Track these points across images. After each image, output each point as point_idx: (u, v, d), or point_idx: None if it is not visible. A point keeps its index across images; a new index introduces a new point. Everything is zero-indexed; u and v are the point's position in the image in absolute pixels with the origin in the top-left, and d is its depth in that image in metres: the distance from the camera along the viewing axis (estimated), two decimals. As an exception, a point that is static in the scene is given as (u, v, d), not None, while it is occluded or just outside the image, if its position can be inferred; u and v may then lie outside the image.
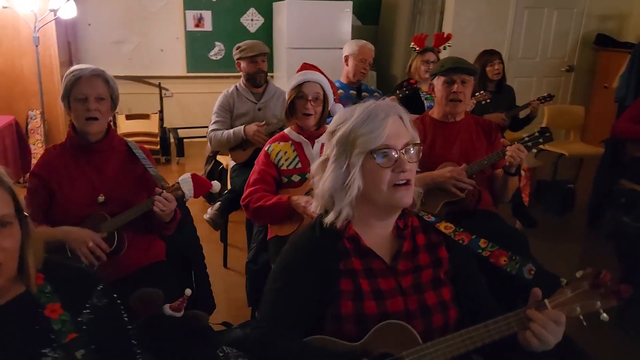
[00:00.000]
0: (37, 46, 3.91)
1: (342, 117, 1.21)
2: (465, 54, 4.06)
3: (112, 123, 5.11)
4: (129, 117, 5.09)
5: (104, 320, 1.07)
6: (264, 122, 2.95)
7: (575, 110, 4.79)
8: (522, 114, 3.94)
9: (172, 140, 5.38)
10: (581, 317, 0.98)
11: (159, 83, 5.44)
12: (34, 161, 3.85)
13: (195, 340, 1.85)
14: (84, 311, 1.05)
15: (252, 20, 5.87)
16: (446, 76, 2.20)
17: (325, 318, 1.16)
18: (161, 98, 5.41)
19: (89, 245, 1.70)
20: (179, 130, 5.53)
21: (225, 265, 3.15)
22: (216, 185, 1.86)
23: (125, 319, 1.13)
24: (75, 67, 1.81)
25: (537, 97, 3.81)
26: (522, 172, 4.20)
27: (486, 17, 5.54)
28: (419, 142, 1.20)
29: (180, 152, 5.31)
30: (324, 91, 2.18)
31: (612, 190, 3.49)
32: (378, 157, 1.13)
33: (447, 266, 1.22)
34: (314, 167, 1.26)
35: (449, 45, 3.74)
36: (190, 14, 5.65)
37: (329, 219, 1.20)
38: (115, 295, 1.12)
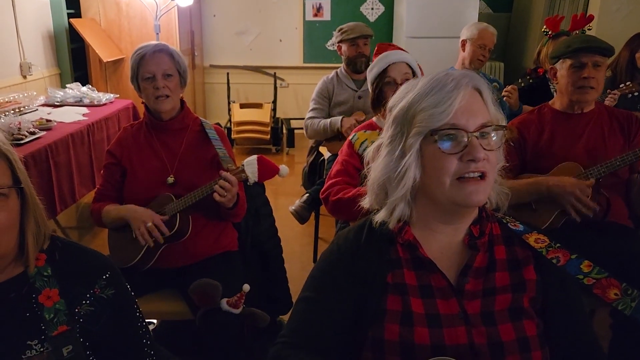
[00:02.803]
0: (157, 34, 4.09)
1: (405, 90, 0.95)
2: (614, 41, 3.46)
3: (227, 111, 5.25)
4: (242, 105, 5.19)
5: (106, 314, 0.94)
6: (362, 115, 2.74)
7: None
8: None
9: (284, 131, 5.39)
10: None
11: (274, 73, 5.47)
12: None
13: (250, 339, 1.71)
14: (83, 302, 0.93)
15: (372, 9, 5.65)
16: (574, 58, 1.78)
17: (365, 343, 0.91)
18: (275, 88, 5.43)
19: (147, 225, 1.63)
20: (291, 121, 5.52)
21: (315, 260, 2.99)
22: (284, 169, 1.69)
23: (137, 314, 1.00)
24: (139, 45, 1.76)
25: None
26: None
27: (643, 0, 4.72)
28: (504, 124, 0.90)
29: (291, 143, 5.28)
30: (412, 70, 1.89)
31: None
32: (441, 140, 0.86)
33: (535, 292, 0.91)
34: (368, 151, 1.03)
35: (588, 29, 3.18)
36: (310, 3, 5.59)
37: (379, 217, 0.96)
38: (127, 285, 0.99)
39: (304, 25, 5.65)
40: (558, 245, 0.92)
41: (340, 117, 2.76)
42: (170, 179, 1.75)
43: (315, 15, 5.64)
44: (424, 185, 0.90)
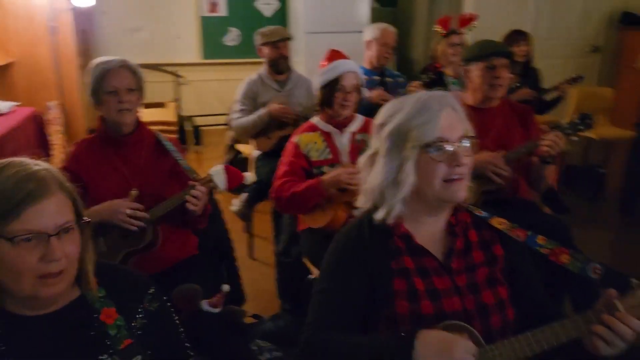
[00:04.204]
0: (53, 36, 3.86)
1: (392, 109, 1.15)
2: (486, 34, 3.93)
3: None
4: (146, 105, 5.05)
5: (157, 325, 1.04)
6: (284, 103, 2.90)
7: (603, 92, 4.66)
8: (549, 97, 3.82)
9: (189, 128, 5.34)
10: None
11: (175, 71, 5.38)
12: (54, 153, 3.84)
13: (231, 335, 1.83)
14: (137, 316, 1.02)
15: (267, 4, 5.77)
16: (486, 61, 2.11)
17: (379, 320, 1.11)
18: (177, 86, 5.35)
19: (127, 213, 1.68)
20: (195, 119, 5.49)
21: (251, 256, 3.12)
22: (249, 176, 1.82)
23: (177, 321, 1.10)
24: (100, 59, 1.77)
25: (565, 78, 3.69)
26: (555, 159, 4.10)
27: (508, -3, 5.39)
28: (473, 134, 1.14)
29: (198, 141, 5.27)
30: (359, 80, 2.11)
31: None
32: (432, 151, 1.07)
33: (503, 264, 1.16)
34: (361, 161, 1.21)
35: (474, 27, 3.62)
36: (205, -1, 5.57)
37: (379, 215, 1.15)
38: (165, 298, 1.09)
39: (200, 21, 5.61)
40: (516, 225, 1.18)
41: (265, 108, 2.89)
42: (135, 192, 1.79)
43: (211, 10, 5.63)
44: (418, 187, 1.10)
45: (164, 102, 5.15)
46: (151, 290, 1.07)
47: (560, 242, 1.14)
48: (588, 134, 4.23)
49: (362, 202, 1.21)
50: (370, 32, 3.37)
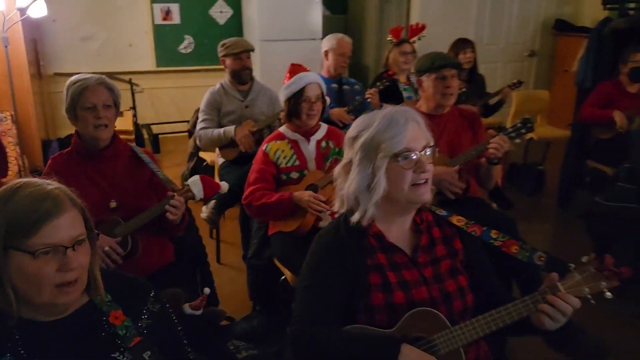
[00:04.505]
0: (6, 47, 3.80)
1: (363, 124, 1.30)
2: (434, 41, 4.21)
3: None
4: (102, 115, 5.02)
5: (160, 324, 1.15)
6: (254, 125, 3.01)
7: (541, 95, 5.04)
8: (493, 101, 4.11)
9: (146, 136, 5.34)
10: (589, 297, 1.12)
11: (130, 79, 5.36)
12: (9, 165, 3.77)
13: (212, 336, 1.93)
14: (143, 317, 1.13)
15: (220, 12, 5.83)
16: (437, 72, 2.31)
17: (358, 310, 1.26)
18: (133, 94, 5.34)
19: (104, 250, 1.75)
20: (152, 127, 5.49)
21: (218, 261, 3.21)
22: (224, 185, 1.93)
23: (175, 321, 1.21)
24: (77, 77, 1.84)
25: (507, 84, 3.98)
26: (501, 159, 4.40)
27: (451, 4, 5.69)
28: (433, 143, 1.30)
29: (156, 149, 5.28)
30: (322, 89, 2.26)
31: (580, 171, 3.74)
32: (401, 160, 1.23)
33: (462, 256, 1.34)
34: (336, 170, 1.36)
35: (423, 36, 3.86)
36: (158, 7, 5.56)
37: (355, 218, 1.30)
38: (164, 300, 1.20)
39: (154, 29, 5.61)
40: (473, 222, 1.36)
41: (233, 127, 2.99)
42: (113, 204, 1.86)
43: (165, 18, 5.64)
44: (389, 192, 1.26)
45: (121, 111, 5.13)
46: (152, 293, 1.18)
47: (508, 235, 1.33)
48: (528, 135, 4.58)
49: (338, 207, 1.36)
50: (328, 42, 3.53)
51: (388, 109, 1.30)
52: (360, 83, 3.68)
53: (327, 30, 5.26)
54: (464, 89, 3.63)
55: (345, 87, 3.54)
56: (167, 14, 5.63)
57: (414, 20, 5.64)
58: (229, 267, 3.15)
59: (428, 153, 1.28)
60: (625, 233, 2.58)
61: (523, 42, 6.19)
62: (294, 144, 2.29)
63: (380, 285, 1.26)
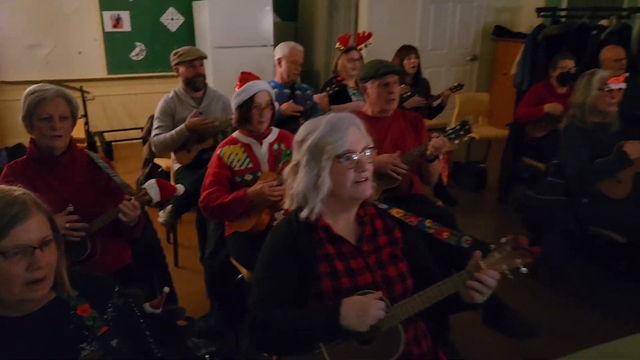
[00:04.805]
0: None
1: (309, 128, 1.43)
2: (381, 48, 4.42)
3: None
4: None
5: (124, 317, 1.24)
6: (205, 118, 3.10)
7: (481, 97, 5.34)
8: (436, 103, 4.35)
9: (98, 144, 5.30)
10: (507, 273, 1.29)
11: (81, 87, 5.31)
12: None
13: (172, 334, 2.02)
14: (108, 309, 1.22)
15: (172, 19, 5.86)
16: (380, 79, 2.48)
17: (309, 297, 1.39)
18: (84, 102, 5.29)
19: (65, 226, 1.81)
20: (105, 134, 5.46)
21: (176, 264, 3.27)
22: (180, 188, 2.02)
23: (138, 313, 1.30)
24: (35, 87, 1.89)
25: (448, 87, 4.23)
26: (439, 156, 4.65)
27: (397, 12, 5.95)
28: (372, 145, 1.45)
29: (109, 156, 5.24)
30: (271, 96, 2.38)
31: (517, 167, 4.02)
32: (343, 161, 1.37)
33: (402, 244, 1.49)
34: (286, 170, 1.48)
35: (370, 44, 4.05)
36: (108, 14, 5.54)
37: (304, 214, 1.43)
38: (127, 293, 1.29)
39: (104, 36, 5.58)
40: (409, 213, 1.52)
41: (183, 124, 3.06)
42: (70, 208, 1.92)
43: (115, 26, 5.62)
44: (334, 190, 1.40)
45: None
46: (116, 289, 1.27)
47: (448, 226, 1.49)
48: (469, 135, 4.85)
49: (289, 204, 1.48)
50: (280, 50, 3.65)
51: (331, 115, 1.44)
52: (312, 88, 3.82)
53: (278, 36, 5.40)
54: (408, 93, 3.85)
55: (298, 92, 3.68)
56: (117, 21, 5.61)
57: (362, 27, 5.86)
58: (187, 269, 3.22)
59: (368, 154, 1.42)
60: (554, 223, 2.83)
61: (465, 48, 6.53)
62: (247, 148, 2.40)
63: (329, 273, 1.39)
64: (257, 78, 2.46)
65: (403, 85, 3.85)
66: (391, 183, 2.46)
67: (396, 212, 1.52)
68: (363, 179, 1.40)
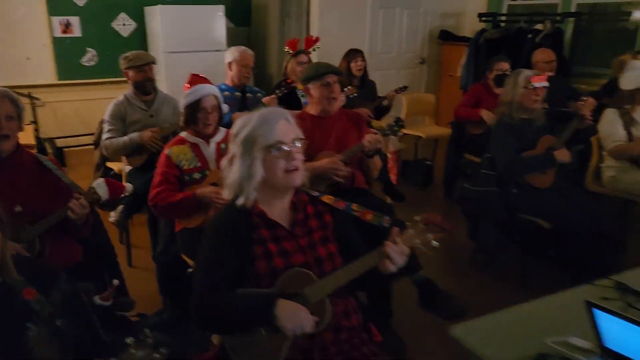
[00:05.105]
0: None
1: (243, 122, 1.55)
2: (333, 52, 4.58)
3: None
4: (0, 130, 4.89)
5: (70, 300, 1.32)
6: (157, 127, 3.16)
7: (428, 97, 5.58)
8: (385, 103, 4.54)
9: (50, 150, 5.25)
10: (421, 247, 1.44)
11: (29, 93, 5.25)
12: None
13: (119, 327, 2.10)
14: (54, 294, 1.30)
15: (123, 25, 5.86)
16: (321, 80, 2.62)
17: (246, 278, 1.50)
18: (33, 108, 5.23)
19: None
20: (56, 140, 5.41)
21: (130, 264, 3.32)
22: (129, 186, 2.10)
23: (85, 299, 1.39)
24: None
25: (394, 89, 4.43)
26: (389, 155, 4.84)
27: (347, 18, 6.14)
28: (302, 137, 1.59)
29: (62, 163, 5.20)
30: (218, 100, 2.49)
31: (459, 163, 4.25)
32: (274, 151, 1.50)
33: (332, 227, 1.63)
34: (223, 162, 1.60)
35: (318, 47, 4.20)
36: (57, 20, 5.50)
37: (240, 201, 1.54)
38: (72, 279, 1.38)
39: (53, 42, 5.53)
40: (338, 199, 1.66)
41: (137, 134, 3.13)
42: (18, 208, 1.97)
43: (65, 31, 5.58)
44: (266, 178, 1.52)
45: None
46: (62, 275, 1.35)
47: (400, 219, 1.63)
48: (414, 132, 5.08)
49: (227, 194, 1.60)
50: (231, 54, 3.76)
51: (263, 109, 1.57)
52: (262, 91, 3.95)
53: (231, 41, 5.49)
54: (355, 94, 4.01)
55: (249, 94, 3.80)
56: (66, 26, 5.57)
57: (313, 33, 6.03)
58: (140, 269, 3.28)
59: (298, 145, 1.55)
60: (487, 212, 3.04)
61: (413, 51, 6.79)
62: (195, 147, 2.49)
63: (264, 255, 1.51)
64: (206, 80, 2.56)
65: (350, 87, 4.02)
66: (334, 179, 2.60)
67: (327, 199, 1.66)
68: (293, 168, 1.52)
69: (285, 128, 1.53)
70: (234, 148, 1.56)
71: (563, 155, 2.85)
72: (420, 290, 2.44)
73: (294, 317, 1.38)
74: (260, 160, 1.50)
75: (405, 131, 5.18)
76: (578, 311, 1.32)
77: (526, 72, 2.93)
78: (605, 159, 3.34)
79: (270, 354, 1.42)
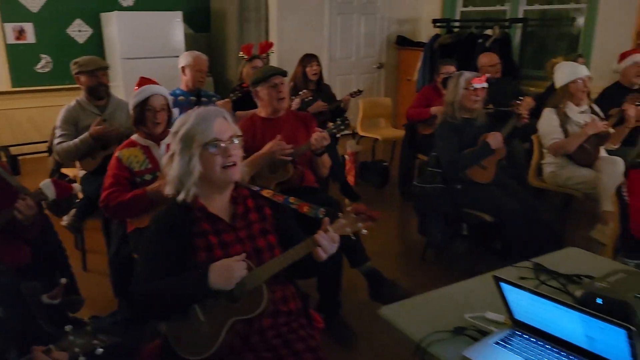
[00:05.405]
0: None
1: (182, 121, 1.63)
2: (292, 57, 4.67)
3: None
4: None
5: (8, 292, 1.36)
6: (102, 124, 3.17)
7: (384, 101, 5.74)
8: (339, 107, 4.65)
9: (4, 159, 5.17)
10: (351, 235, 1.54)
11: (-19, 101, 5.18)
12: None
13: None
14: None
15: (79, 31, 5.83)
16: (269, 82, 2.71)
17: (186, 268, 1.57)
18: (-15, 116, 5.16)
19: None
20: (10, 148, 5.33)
21: (84, 268, 3.32)
22: (76, 187, 2.13)
23: (24, 291, 1.43)
24: None
25: (348, 93, 4.55)
26: (347, 157, 4.97)
27: (306, 23, 6.27)
28: (240, 134, 1.66)
29: (15, 171, 5.12)
30: (167, 101, 2.54)
31: (412, 163, 4.40)
32: (211, 148, 1.57)
33: (271, 220, 1.71)
34: (164, 160, 1.66)
35: (272, 52, 4.29)
36: (9, 26, 5.44)
37: (180, 197, 1.61)
38: (12, 274, 1.42)
39: (6, 49, 5.46)
40: (277, 192, 1.74)
41: (86, 133, 3.13)
42: (-38, 210, 1.98)
43: (18, 38, 5.52)
44: (205, 174, 1.59)
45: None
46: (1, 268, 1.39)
47: (334, 210, 1.72)
48: (371, 134, 5.20)
49: (168, 190, 1.66)
50: (184, 59, 3.81)
51: (201, 108, 1.64)
52: (217, 95, 4.01)
53: (190, 47, 5.52)
54: (310, 98, 4.12)
55: (204, 99, 3.84)
56: (20, 33, 5.51)
57: (272, 38, 6.13)
58: (96, 273, 3.28)
59: (236, 142, 1.63)
60: (435, 208, 3.18)
61: (372, 56, 6.96)
62: (146, 150, 2.54)
63: (204, 247, 1.58)
64: (154, 82, 2.61)
65: (305, 91, 4.12)
66: (284, 176, 2.69)
67: (266, 193, 1.74)
68: (231, 164, 1.60)
69: (222, 126, 1.60)
70: (173, 145, 1.63)
71: (495, 140, 3.00)
72: (368, 281, 2.55)
73: (225, 270, 1.47)
74: (198, 156, 1.57)
75: (362, 134, 5.34)
76: (496, 290, 1.43)
77: (466, 74, 3.09)
78: (545, 155, 3.53)
79: (209, 338, 1.49)
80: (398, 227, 4.27)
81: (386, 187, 4.92)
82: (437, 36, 6.19)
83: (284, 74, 2.78)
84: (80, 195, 3.10)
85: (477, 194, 3.04)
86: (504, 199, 2.99)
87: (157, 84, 2.59)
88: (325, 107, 4.37)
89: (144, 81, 2.54)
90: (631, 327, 1.10)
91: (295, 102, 3.98)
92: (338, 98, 4.66)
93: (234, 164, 1.61)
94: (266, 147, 2.61)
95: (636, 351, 1.13)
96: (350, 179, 4.90)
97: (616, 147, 3.44)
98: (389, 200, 4.74)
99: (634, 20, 4.99)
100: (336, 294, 2.59)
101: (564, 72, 3.37)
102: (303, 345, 1.56)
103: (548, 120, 3.41)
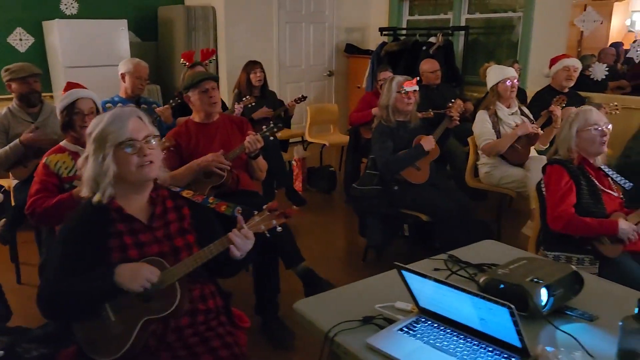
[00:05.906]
0: None
1: (97, 121, 1.62)
2: (240, 65, 4.67)
3: None
4: None
5: None
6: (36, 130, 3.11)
7: (331, 107, 5.83)
8: (284, 114, 4.70)
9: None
10: (265, 232, 1.57)
11: None
12: None
13: None
14: None
15: (20, 40, 5.68)
16: (200, 87, 2.72)
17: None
18: None
19: None
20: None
21: (19, 281, 3.22)
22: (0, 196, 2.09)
23: None
24: None
25: (293, 99, 4.60)
26: (294, 162, 5.01)
27: (254, 32, 6.30)
28: (157, 134, 1.67)
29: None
30: (96, 105, 2.52)
31: (357, 167, 4.47)
32: (126, 147, 1.57)
33: (190, 219, 1.72)
34: (79, 161, 1.65)
35: (214, 59, 4.30)
36: (-56, 35, 5.26)
37: (95, 198, 1.60)
38: None
39: (-60, 58, 5.26)
40: (197, 193, 1.75)
41: (17, 140, 3.07)
42: None
43: (-46, 47, 5.33)
44: (120, 174, 1.58)
45: None
46: None
47: (250, 209, 1.74)
48: (318, 140, 5.26)
49: (84, 192, 1.65)
50: (124, 66, 3.77)
51: (116, 108, 1.64)
52: (157, 102, 3.99)
53: (137, 55, 5.40)
54: (253, 104, 4.14)
55: (143, 106, 3.80)
56: (-44, 42, 5.32)
57: (221, 47, 6.13)
58: (30, 286, 3.19)
59: (153, 142, 1.64)
60: (373, 209, 3.24)
61: (321, 64, 7.05)
62: (75, 155, 2.49)
63: (118, 247, 1.57)
64: (82, 87, 2.58)
65: (248, 97, 4.14)
66: (218, 180, 2.69)
67: (186, 193, 1.75)
68: (147, 163, 1.60)
69: (137, 126, 1.61)
70: (88, 146, 1.62)
71: (428, 142, 3.10)
72: (303, 281, 2.58)
73: (136, 274, 1.47)
74: (111, 156, 1.57)
75: (310, 140, 5.39)
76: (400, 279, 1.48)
77: (398, 78, 3.18)
78: (480, 156, 3.66)
79: (120, 339, 1.48)
80: (344, 230, 4.32)
81: (334, 192, 4.99)
82: (383, 44, 6.33)
83: (215, 78, 2.80)
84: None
85: (412, 195, 3.12)
86: (439, 199, 3.08)
87: (86, 88, 2.57)
88: (270, 113, 4.41)
89: (71, 85, 2.51)
90: (511, 305, 1.16)
91: (238, 109, 4.00)
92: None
93: (151, 162, 1.61)
94: (205, 159, 2.61)
95: (520, 328, 1.19)
96: (298, 184, 4.94)
97: (545, 147, 3.60)
98: (334, 204, 4.80)
99: (567, 29, 5.26)
100: (274, 296, 2.60)
101: (494, 74, 3.53)
102: (219, 342, 1.57)
103: (481, 122, 3.54)
